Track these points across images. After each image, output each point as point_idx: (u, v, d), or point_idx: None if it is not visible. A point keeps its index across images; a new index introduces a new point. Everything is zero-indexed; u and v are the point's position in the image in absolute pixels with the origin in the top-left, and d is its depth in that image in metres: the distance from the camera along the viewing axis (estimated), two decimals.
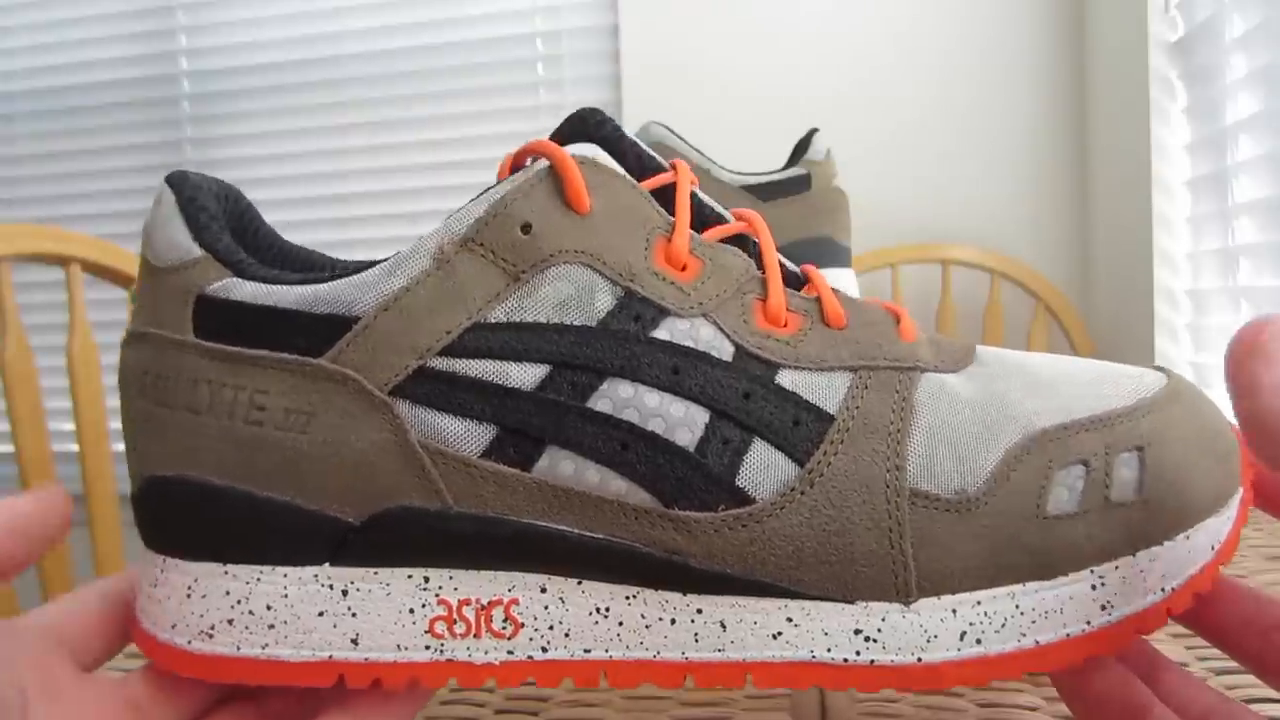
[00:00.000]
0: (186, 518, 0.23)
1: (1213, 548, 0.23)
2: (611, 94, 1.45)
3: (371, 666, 0.23)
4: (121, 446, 0.25)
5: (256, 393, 0.23)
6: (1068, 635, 0.22)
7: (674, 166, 0.26)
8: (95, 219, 1.63)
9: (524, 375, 0.22)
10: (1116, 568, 0.22)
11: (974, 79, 1.34)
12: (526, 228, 0.23)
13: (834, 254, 0.52)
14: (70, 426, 0.90)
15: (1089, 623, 0.22)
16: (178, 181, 0.25)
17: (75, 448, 0.88)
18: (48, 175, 1.66)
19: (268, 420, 0.23)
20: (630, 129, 1.42)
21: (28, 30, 1.65)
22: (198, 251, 0.24)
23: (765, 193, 0.52)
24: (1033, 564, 0.22)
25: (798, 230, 0.51)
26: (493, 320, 0.23)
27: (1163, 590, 0.22)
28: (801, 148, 0.55)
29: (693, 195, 0.25)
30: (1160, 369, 0.25)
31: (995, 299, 1.28)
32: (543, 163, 0.24)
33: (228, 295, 0.23)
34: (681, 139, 0.53)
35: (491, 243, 0.23)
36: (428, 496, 0.23)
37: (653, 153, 0.26)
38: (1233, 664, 0.24)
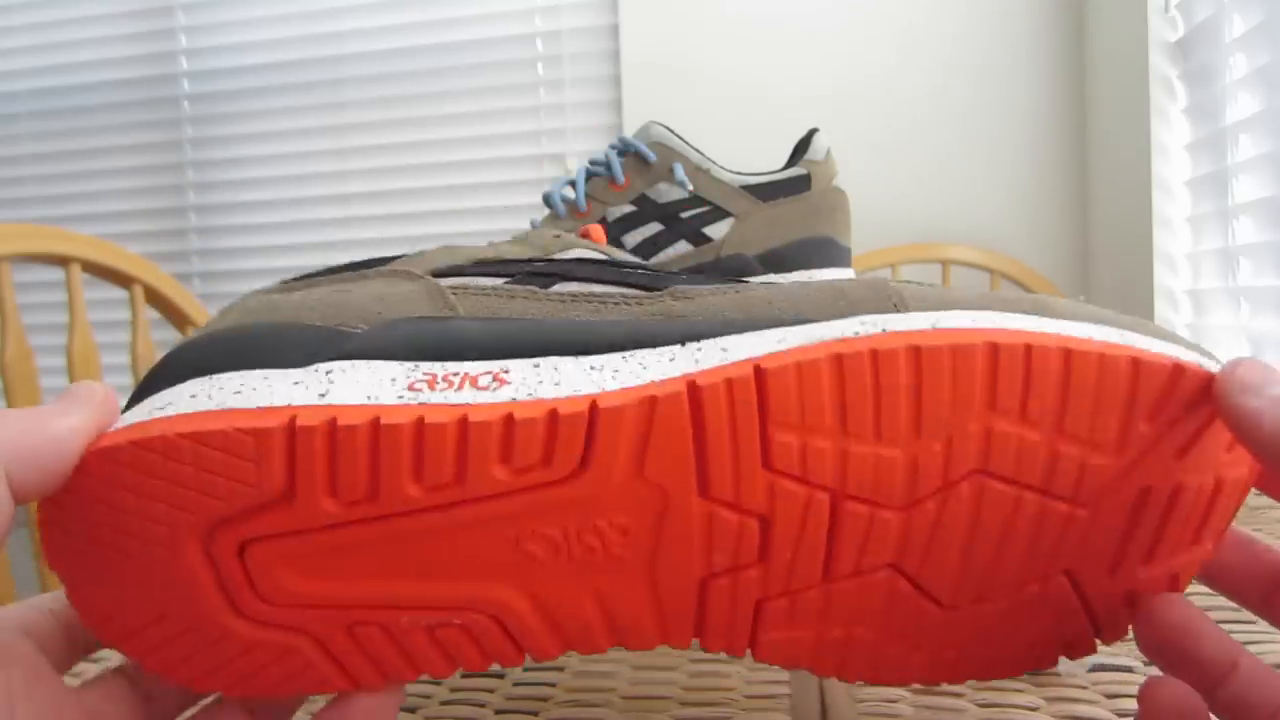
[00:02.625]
0: (188, 358, 0.22)
1: None
2: (611, 94, 1.45)
3: (330, 409, 0.21)
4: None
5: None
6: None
7: None
8: (95, 219, 1.63)
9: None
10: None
11: (974, 79, 1.34)
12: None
13: (834, 254, 0.52)
14: None
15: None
16: None
17: None
18: (48, 175, 1.66)
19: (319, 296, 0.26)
20: (630, 129, 1.42)
21: (28, 30, 1.65)
22: None
23: (765, 193, 0.51)
24: (1025, 303, 0.23)
25: (798, 230, 0.51)
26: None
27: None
28: (801, 148, 0.55)
29: None
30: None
31: None
32: None
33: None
34: (681, 139, 0.53)
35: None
36: (439, 310, 0.24)
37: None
38: None
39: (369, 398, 0.21)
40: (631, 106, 1.42)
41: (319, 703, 0.34)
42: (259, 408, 0.21)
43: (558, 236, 0.28)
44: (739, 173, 0.52)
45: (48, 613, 0.24)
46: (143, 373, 0.95)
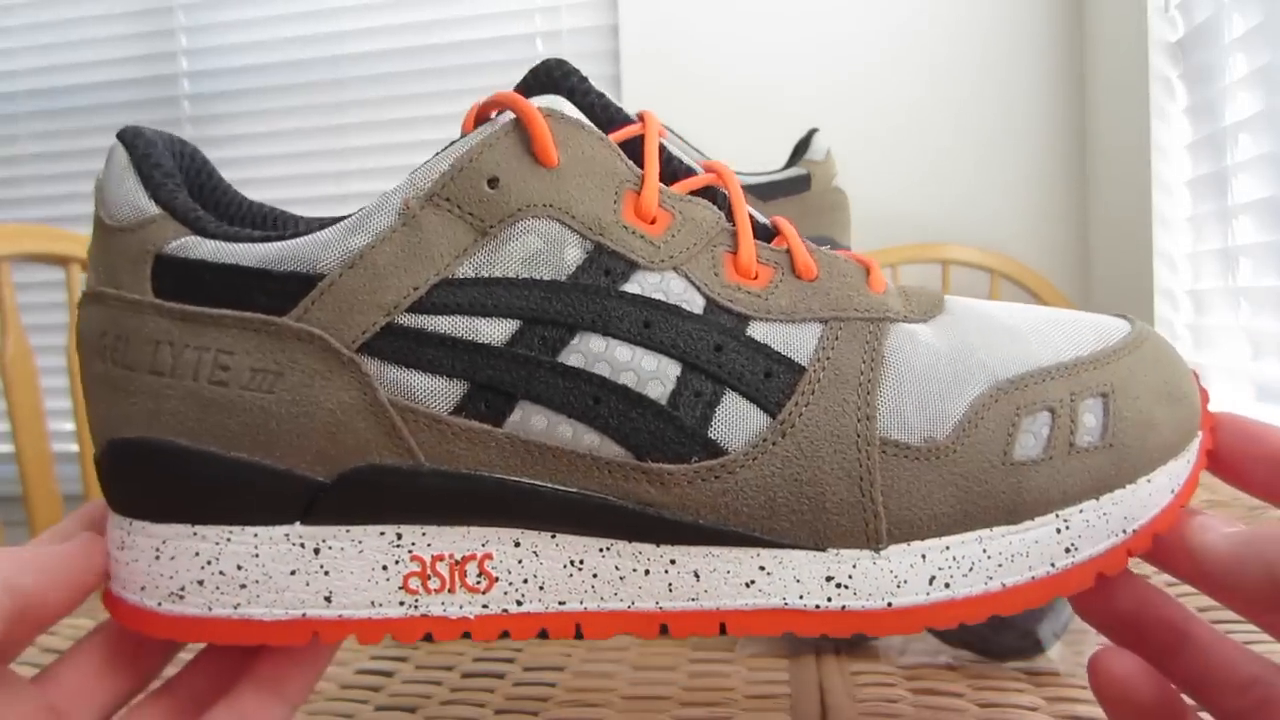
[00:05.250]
0: (152, 480, 0.23)
1: (1172, 490, 0.23)
2: (611, 94, 1.45)
3: (346, 623, 0.23)
4: (97, 477, 0.24)
5: (221, 353, 0.22)
6: (1033, 577, 0.22)
7: (641, 118, 0.25)
8: None
9: (494, 331, 0.22)
10: (1081, 510, 0.22)
11: (974, 79, 1.34)
12: (494, 182, 0.23)
13: None
14: (70, 426, 0.90)
15: (1053, 565, 0.22)
16: (130, 138, 0.24)
17: (75, 448, 0.89)
18: (49, 175, 1.66)
19: (233, 380, 0.22)
20: None
21: (28, 30, 1.65)
22: (154, 209, 0.23)
23: (765, 193, 0.52)
24: (1000, 509, 0.22)
25: (798, 230, 0.51)
26: (461, 276, 0.22)
27: (1124, 532, 0.23)
28: (801, 148, 0.55)
29: (661, 147, 0.25)
30: (1124, 316, 0.26)
31: (995, 299, 1.28)
32: (508, 115, 0.24)
33: (187, 254, 0.23)
34: (681, 138, 0.53)
35: (458, 198, 0.23)
36: (399, 454, 0.22)
37: (620, 104, 0.25)
38: (1262, 637, 0.24)
39: (374, 605, 0.23)
40: (631, 107, 1.41)
41: (316, 703, 0.34)
42: (278, 621, 0.23)
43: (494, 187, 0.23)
44: (739, 172, 0.52)
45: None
46: None
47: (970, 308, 0.26)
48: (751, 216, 0.25)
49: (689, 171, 0.26)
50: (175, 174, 0.24)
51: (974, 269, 1.30)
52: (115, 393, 0.23)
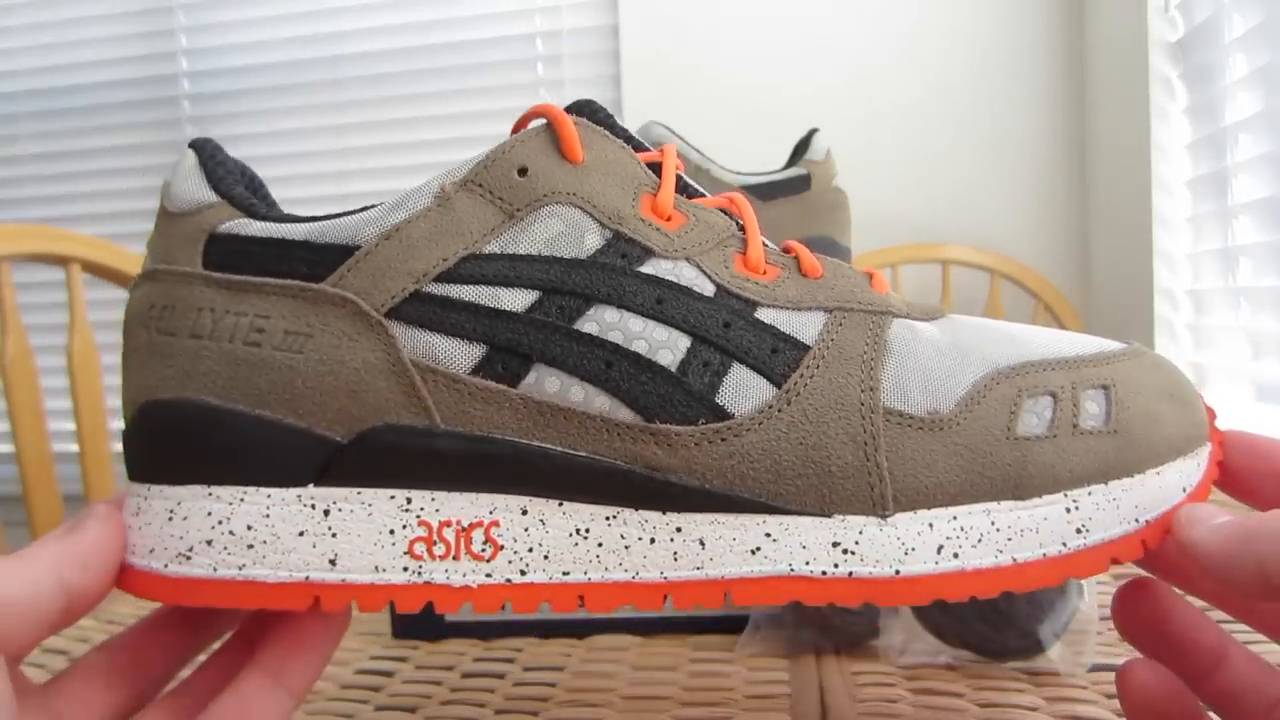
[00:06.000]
0: (177, 440, 0.24)
1: (1184, 489, 0.23)
2: (611, 94, 1.45)
3: (348, 588, 0.23)
4: (122, 446, 0.25)
5: (258, 317, 0.24)
6: (1044, 555, 0.22)
7: (661, 151, 0.27)
8: (95, 219, 1.63)
9: (515, 299, 0.24)
10: (1090, 493, 0.23)
11: (974, 79, 1.34)
12: (523, 171, 0.25)
13: (834, 254, 0.52)
14: (70, 426, 0.90)
15: (1065, 544, 0.22)
16: (200, 144, 0.26)
17: (75, 448, 0.89)
18: (49, 175, 1.66)
19: (266, 341, 0.23)
20: (630, 129, 1.41)
21: (28, 30, 1.65)
22: (213, 197, 0.25)
23: (765, 193, 0.52)
24: (1007, 482, 0.22)
25: (798, 230, 0.51)
26: (487, 251, 0.24)
27: (1137, 521, 0.23)
28: (801, 148, 0.55)
29: (678, 176, 0.27)
30: (1124, 342, 0.26)
31: (995, 299, 1.28)
32: (541, 120, 0.26)
33: (238, 232, 0.25)
34: (681, 139, 0.53)
35: (490, 183, 0.24)
36: (416, 414, 0.23)
37: (643, 140, 0.27)
38: (1257, 637, 0.24)
39: (377, 569, 0.23)
40: (631, 106, 1.42)
41: (316, 703, 0.34)
42: (281, 583, 0.23)
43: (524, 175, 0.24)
44: (739, 172, 0.53)
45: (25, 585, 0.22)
46: None
47: (969, 318, 0.27)
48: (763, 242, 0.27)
49: (702, 196, 0.27)
50: (236, 173, 0.26)
51: (974, 269, 1.30)
52: (155, 358, 0.24)
